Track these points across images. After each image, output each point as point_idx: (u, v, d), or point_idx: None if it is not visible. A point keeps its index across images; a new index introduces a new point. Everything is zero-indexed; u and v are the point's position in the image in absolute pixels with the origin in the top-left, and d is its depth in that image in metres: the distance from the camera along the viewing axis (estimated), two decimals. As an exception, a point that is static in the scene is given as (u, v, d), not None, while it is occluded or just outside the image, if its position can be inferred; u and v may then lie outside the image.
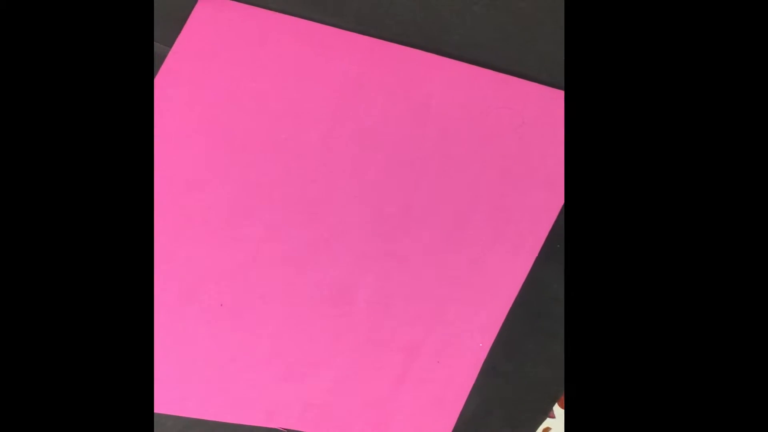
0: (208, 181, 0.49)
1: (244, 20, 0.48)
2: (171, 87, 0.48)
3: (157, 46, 0.48)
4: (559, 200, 0.52)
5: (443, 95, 0.50)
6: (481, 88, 0.50)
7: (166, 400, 0.50)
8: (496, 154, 0.51)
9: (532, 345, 0.54)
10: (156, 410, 0.50)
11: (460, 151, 0.51)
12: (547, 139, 0.51)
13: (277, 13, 0.48)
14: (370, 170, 0.50)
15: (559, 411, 0.56)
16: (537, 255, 0.52)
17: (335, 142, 0.50)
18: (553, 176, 0.51)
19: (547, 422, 0.56)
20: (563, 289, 0.52)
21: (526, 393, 0.55)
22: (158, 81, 0.47)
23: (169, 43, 0.48)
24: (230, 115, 0.48)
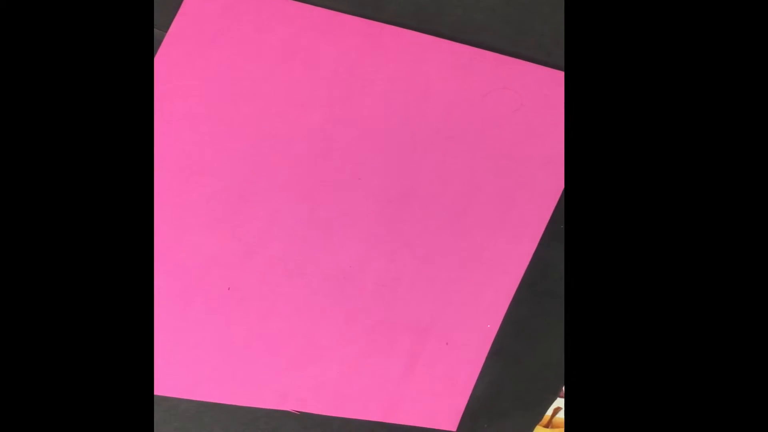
0: (210, 167, 0.48)
1: (239, 3, 0.47)
2: (168, 72, 0.47)
3: (154, 32, 0.47)
4: (562, 181, 0.51)
5: (442, 77, 0.49)
6: (481, 69, 0.50)
7: (180, 384, 0.51)
8: (497, 136, 0.50)
9: (541, 325, 0.53)
10: (170, 394, 0.51)
11: (461, 134, 0.50)
12: (547, 120, 0.51)
13: (272, -5, 0.48)
14: (371, 154, 0.50)
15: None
16: (541, 236, 0.52)
17: (335, 126, 0.49)
18: (555, 157, 0.51)
19: (558, 402, 0.56)
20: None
21: (535, 373, 0.55)
22: (155, 66, 0.47)
23: (165, 28, 0.47)
24: (229, 101, 0.48)
